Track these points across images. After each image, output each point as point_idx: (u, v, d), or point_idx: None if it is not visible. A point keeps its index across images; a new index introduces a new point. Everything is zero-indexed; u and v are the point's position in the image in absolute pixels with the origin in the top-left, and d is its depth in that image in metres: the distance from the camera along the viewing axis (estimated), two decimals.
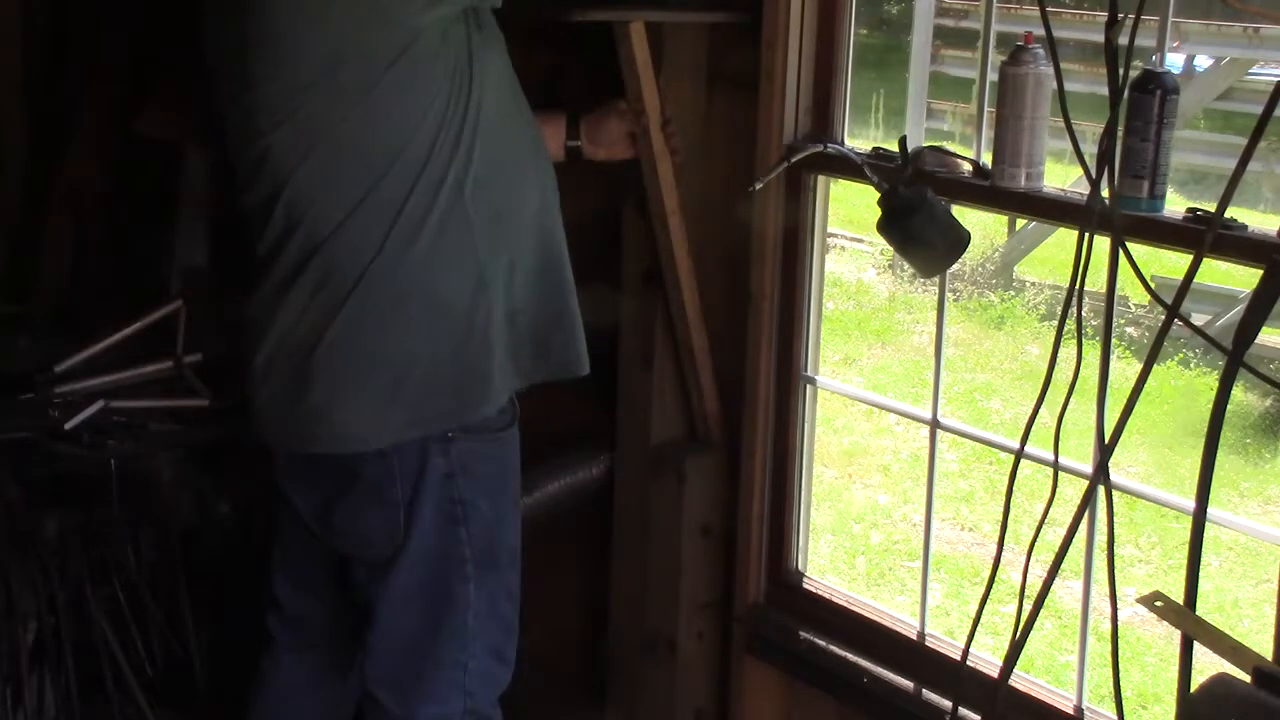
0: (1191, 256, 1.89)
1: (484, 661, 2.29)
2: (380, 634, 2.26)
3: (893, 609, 2.66)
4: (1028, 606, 2.02)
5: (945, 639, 2.51)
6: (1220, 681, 1.62)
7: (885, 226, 2.31)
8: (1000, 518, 2.11)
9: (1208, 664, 1.75)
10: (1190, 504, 1.80)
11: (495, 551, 2.27)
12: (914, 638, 2.53)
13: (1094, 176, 1.95)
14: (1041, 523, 2.02)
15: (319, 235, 2.09)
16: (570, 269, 2.29)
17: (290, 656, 2.46)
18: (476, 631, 2.26)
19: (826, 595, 2.68)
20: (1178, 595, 1.76)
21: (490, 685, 2.32)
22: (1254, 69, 8.58)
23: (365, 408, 2.13)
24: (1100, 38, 1.93)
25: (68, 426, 2.67)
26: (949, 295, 3.30)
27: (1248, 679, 1.62)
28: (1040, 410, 2.06)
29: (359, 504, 2.20)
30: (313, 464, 2.22)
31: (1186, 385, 6.19)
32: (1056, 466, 2.08)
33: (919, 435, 5.38)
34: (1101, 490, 1.99)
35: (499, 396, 2.21)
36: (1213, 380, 5.39)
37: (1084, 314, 2.02)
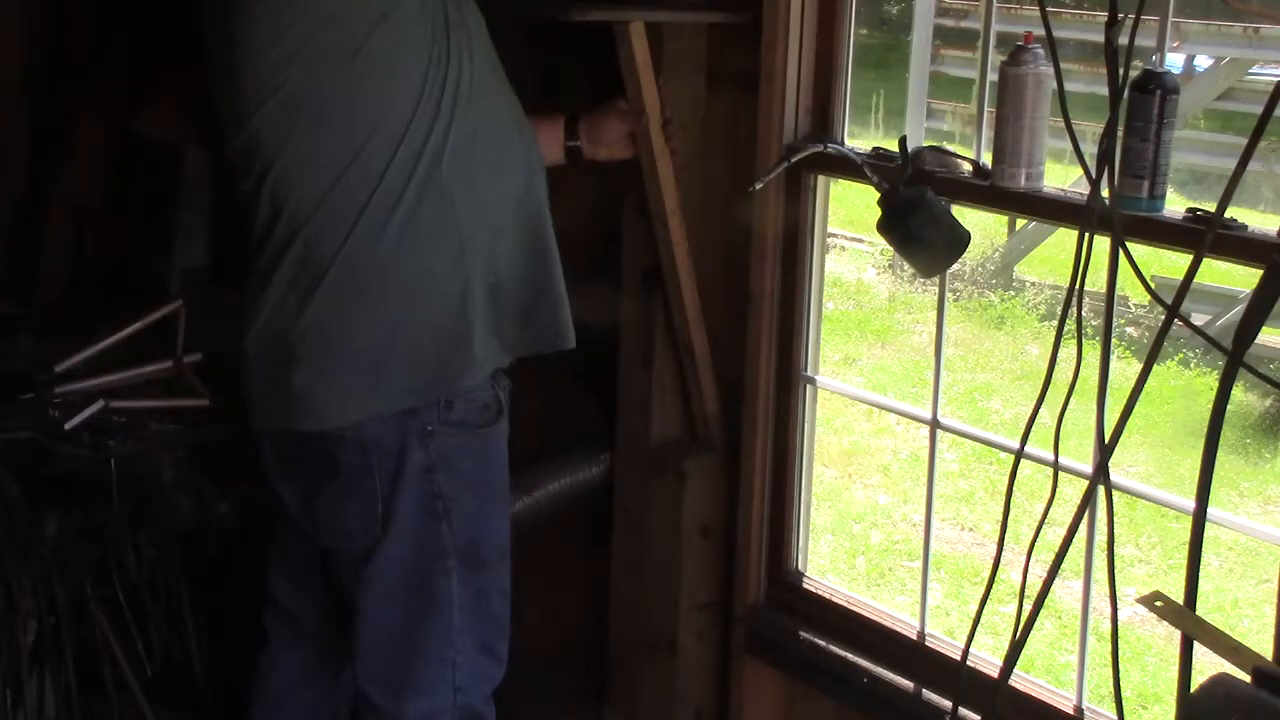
0: (1191, 256, 1.89)
1: (473, 657, 2.29)
2: (365, 629, 2.27)
3: (893, 609, 2.66)
4: (1028, 606, 2.02)
5: (945, 639, 2.51)
6: (1220, 681, 1.61)
7: (885, 226, 2.31)
8: (1000, 518, 2.11)
9: (1208, 664, 1.75)
10: (1190, 504, 1.80)
11: (480, 547, 2.28)
12: (914, 638, 2.53)
13: (1094, 176, 1.95)
14: (1041, 523, 2.02)
15: (301, 215, 2.11)
16: (556, 248, 2.30)
17: (287, 653, 2.47)
18: (463, 626, 2.27)
19: (826, 595, 2.68)
20: (1178, 595, 1.76)
21: (481, 681, 2.32)
22: (1254, 69, 8.59)
23: (347, 383, 2.15)
24: (1100, 38, 1.93)
25: (68, 426, 2.67)
26: (949, 295, 3.30)
27: (1248, 679, 1.62)
28: (1040, 410, 2.05)
29: (339, 495, 2.22)
30: (297, 453, 2.24)
31: (1186, 385, 6.19)
32: (1056, 466, 2.08)
33: (919, 435, 5.38)
34: (1101, 490, 1.99)
35: (481, 367, 2.21)
36: (1213, 380, 5.40)
37: (1084, 314, 2.02)
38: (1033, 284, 7.64)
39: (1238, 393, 5.95)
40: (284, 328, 2.14)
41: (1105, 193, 1.98)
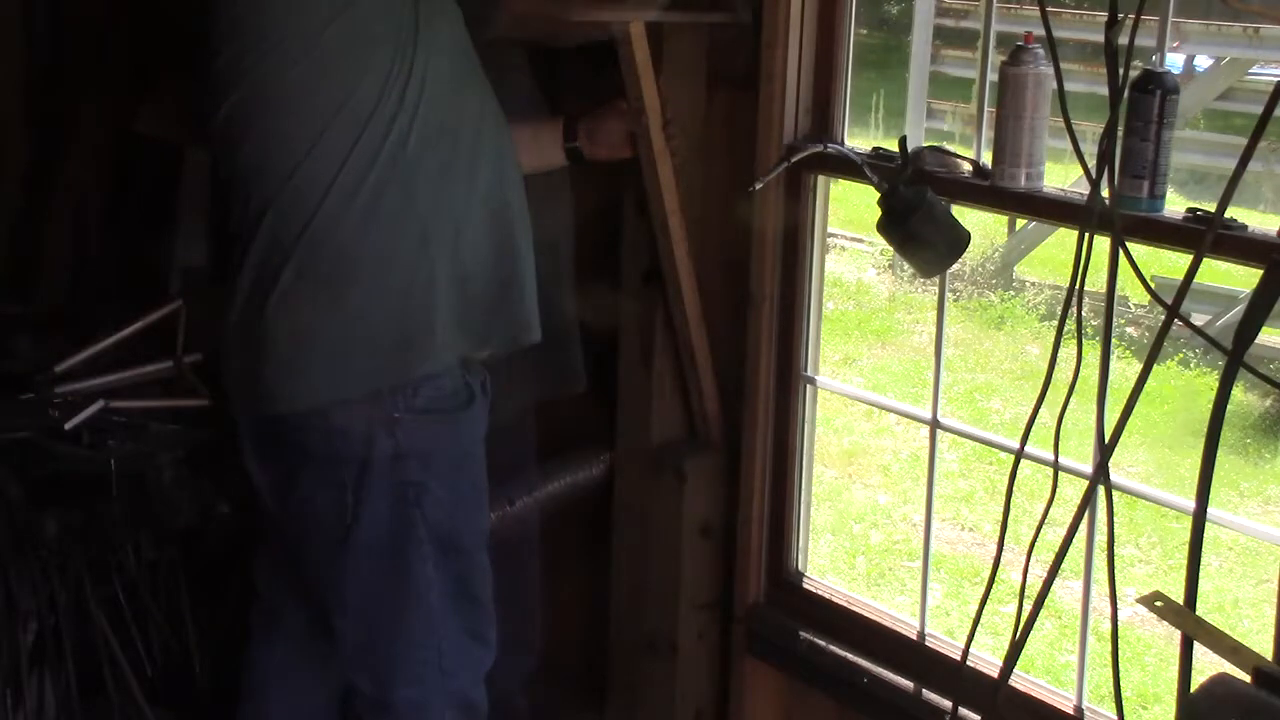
0: (1191, 256, 1.89)
1: (460, 642, 2.30)
2: (347, 619, 2.28)
3: (893, 609, 2.66)
4: (1028, 606, 2.02)
5: (945, 639, 2.51)
6: (1220, 681, 1.62)
7: (885, 226, 2.31)
8: (1000, 518, 2.11)
9: (1208, 664, 1.75)
10: (1190, 504, 1.80)
11: (455, 533, 2.28)
12: (914, 638, 2.53)
13: (1094, 176, 1.95)
14: (1041, 523, 2.02)
15: (268, 198, 2.15)
16: (528, 245, 2.31)
17: (269, 648, 2.48)
18: (446, 612, 2.27)
19: (826, 595, 2.68)
20: (1178, 595, 1.76)
21: (470, 666, 2.33)
22: (1254, 69, 8.59)
23: (312, 366, 2.17)
24: (1100, 38, 1.93)
25: (68, 426, 2.66)
26: (949, 295, 3.30)
27: (1248, 679, 1.62)
28: (1040, 410, 2.06)
29: (310, 484, 2.23)
30: (272, 441, 2.26)
31: (1186, 385, 6.19)
32: (1056, 466, 2.08)
33: (919, 435, 5.38)
34: (1101, 490, 1.99)
35: (441, 355, 2.22)
36: (1213, 380, 5.39)
37: (1084, 314, 2.02)
38: (1033, 284, 7.64)
39: (1238, 393, 5.95)
40: (256, 313, 2.17)
41: (1105, 193, 1.98)
